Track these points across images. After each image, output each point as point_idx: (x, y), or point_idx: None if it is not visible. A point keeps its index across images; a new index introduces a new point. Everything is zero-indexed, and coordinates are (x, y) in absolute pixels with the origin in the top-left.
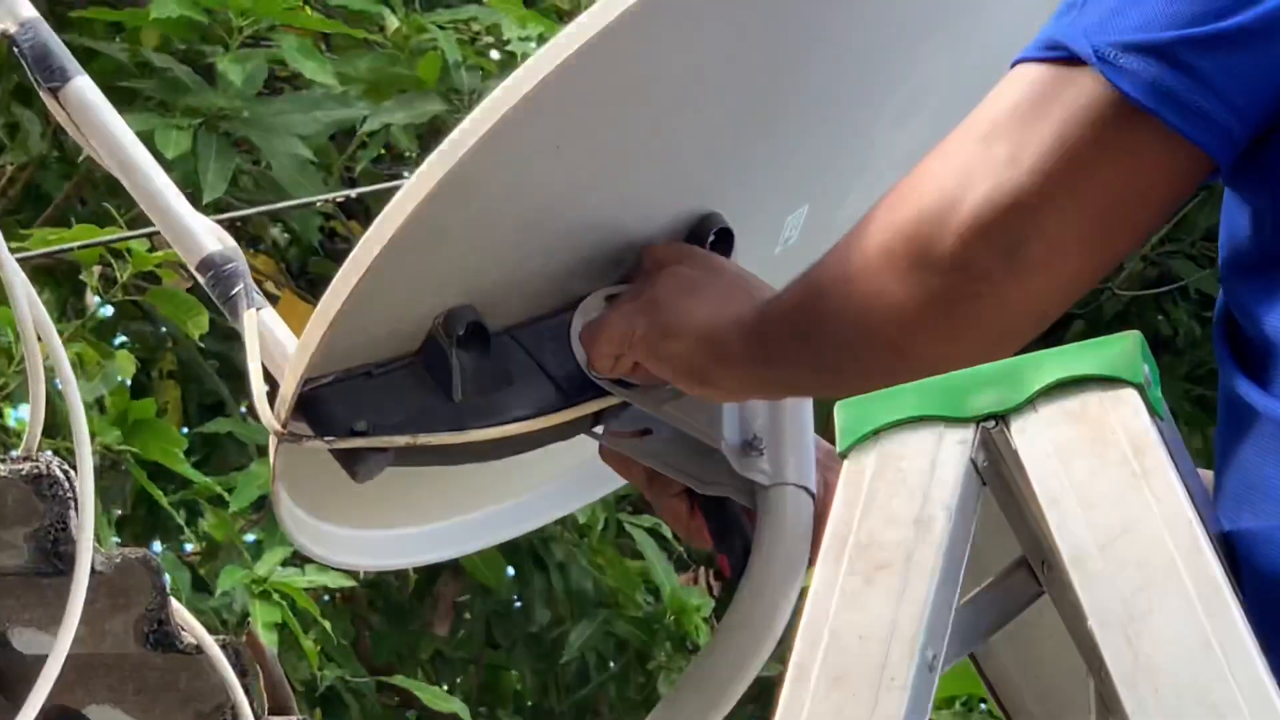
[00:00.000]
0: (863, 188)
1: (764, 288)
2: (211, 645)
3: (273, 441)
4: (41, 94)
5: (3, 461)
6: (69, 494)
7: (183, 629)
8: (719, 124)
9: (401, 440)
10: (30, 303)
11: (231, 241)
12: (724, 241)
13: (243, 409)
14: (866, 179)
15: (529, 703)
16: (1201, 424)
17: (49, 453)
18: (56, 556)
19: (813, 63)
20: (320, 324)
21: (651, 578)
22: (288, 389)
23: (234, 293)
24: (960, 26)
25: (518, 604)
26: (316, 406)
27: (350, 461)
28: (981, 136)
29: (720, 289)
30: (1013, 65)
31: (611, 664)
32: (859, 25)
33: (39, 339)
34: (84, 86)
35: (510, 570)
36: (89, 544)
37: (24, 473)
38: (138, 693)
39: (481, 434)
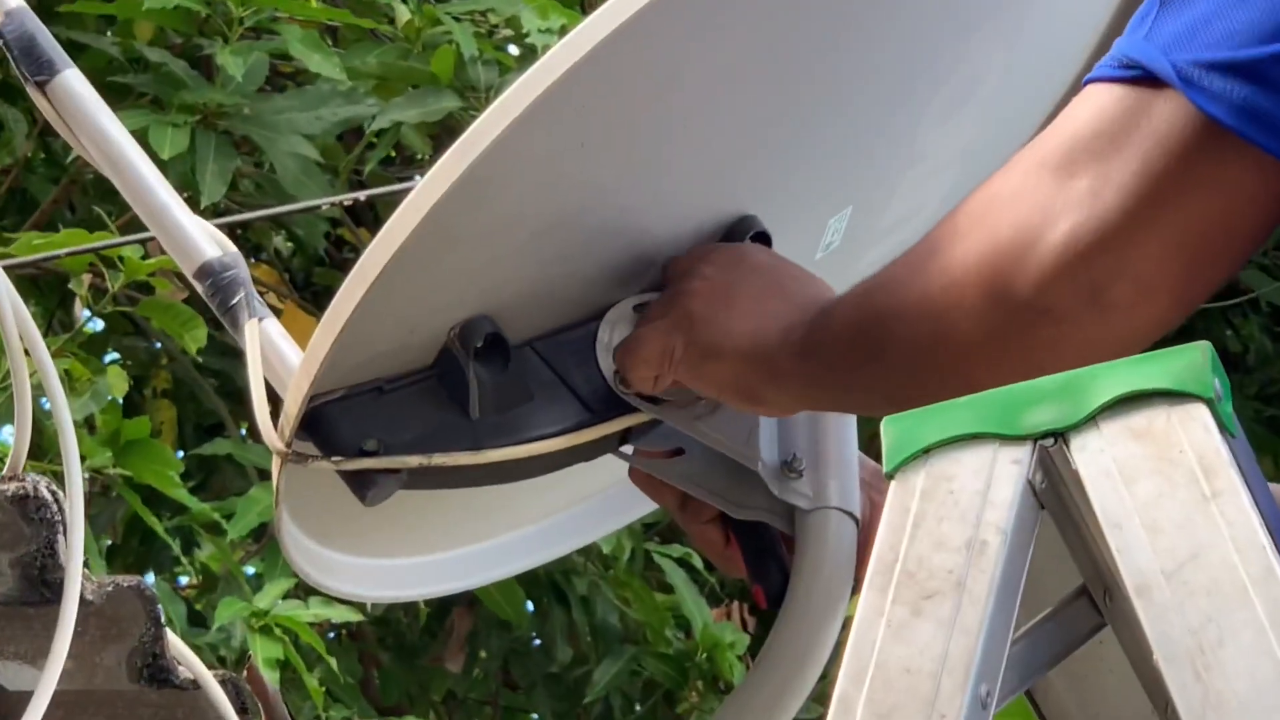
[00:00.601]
0: (908, 187)
1: (800, 278)
2: (210, 681)
3: (276, 462)
4: (28, 88)
5: None
6: (57, 517)
7: (179, 663)
8: (754, 121)
9: (415, 461)
10: (15, 311)
11: (232, 247)
12: (762, 245)
13: (243, 430)
14: (912, 178)
15: None
16: (1273, 447)
17: (35, 474)
18: (44, 585)
19: (853, 57)
20: (327, 335)
21: (682, 612)
22: (292, 405)
23: (234, 302)
24: (1007, 19)
25: (537, 642)
26: (323, 424)
27: (359, 484)
28: (1058, 166)
29: (757, 292)
30: (1085, 84)
31: (638, 706)
32: (901, 18)
33: (25, 352)
34: (72, 79)
35: (529, 605)
36: (78, 571)
37: (9, 494)
38: None
39: (500, 454)
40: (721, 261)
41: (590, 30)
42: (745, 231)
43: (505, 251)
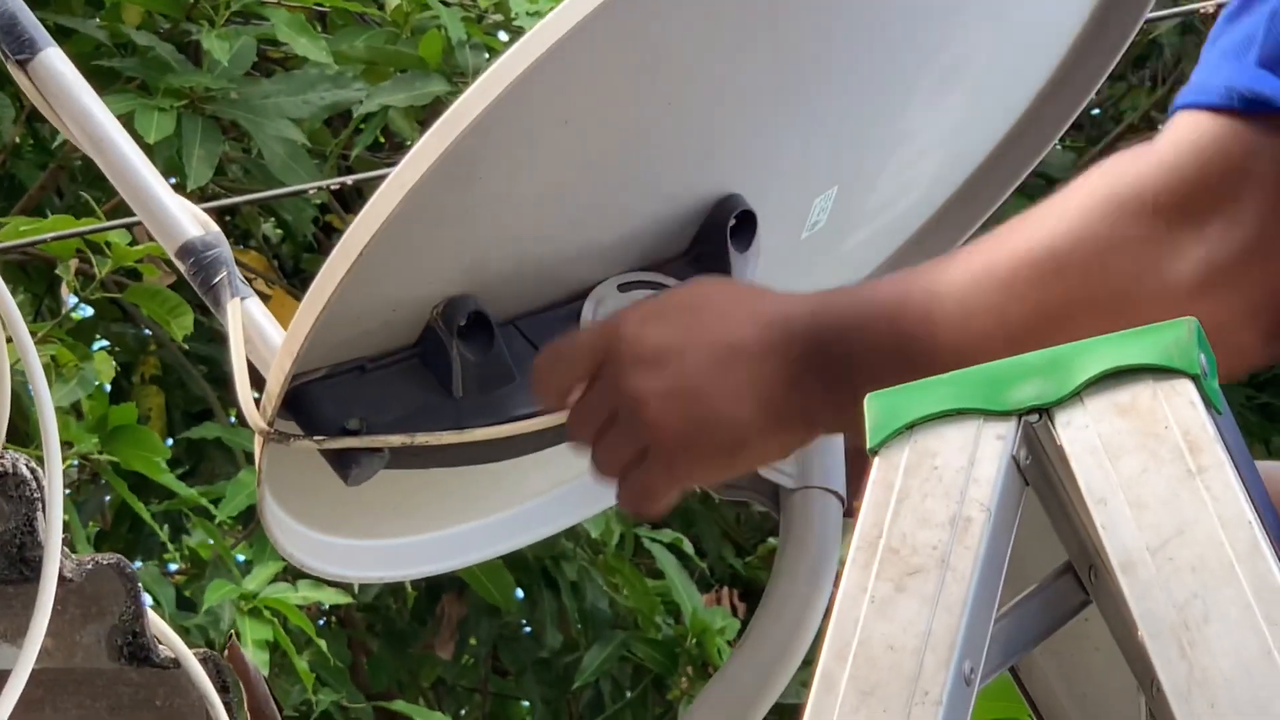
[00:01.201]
0: (895, 168)
1: (743, 308)
2: (190, 659)
3: (258, 441)
4: (9, 66)
5: None
6: (36, 494)
7: (160, 641)
8: (739, 98)
9: (397, 440)
10: None
11: (215, 226)
12: (746, 224)
13: (231, 417)
14: (900, 158)
15: None
16: (1265, 434)
17: (14, 453)
18: (23, 562)
19: (840, 35)
20: (310, 313)
21: (672, 598)
22: (274, 384)
23: (216, 281)
24: None
25: (527, 629)
26: (306, 403)
27: (342, 463)
28: (1176, 211)
29: (724, 366)
30: (1176, 109)
31: (628, 692)
32: None
33: (7, 338)
34: (54, 58)
35: (519, 592)
36: (57, 547)
37: None
38: (111, 710)
39: (484, 433)
40: (661, 364)
41: (574, 6)
42: (731, 210)
43: (489, 229)
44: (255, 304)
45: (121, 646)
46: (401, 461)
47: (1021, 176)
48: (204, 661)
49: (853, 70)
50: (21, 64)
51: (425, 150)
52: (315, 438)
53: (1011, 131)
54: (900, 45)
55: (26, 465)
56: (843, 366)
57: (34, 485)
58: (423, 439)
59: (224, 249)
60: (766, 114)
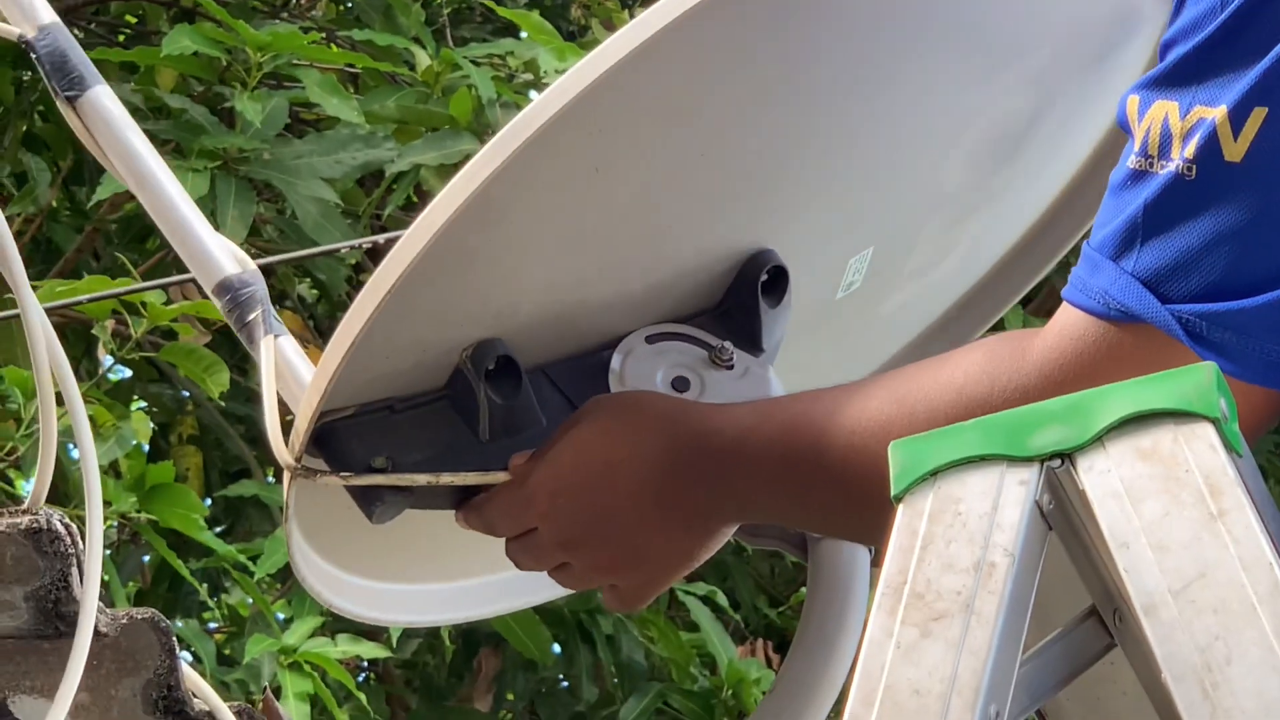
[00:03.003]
0: (933, 231)
1: (661, 437)
2: (225, 713)
3: (286, 476)
4: (58, 103)
5: (0, 516)
6: (71, 550)
7: (195, 695)
8: (772, 154)
9: (422, 479)
10: (50, 349)
11: (252, 265)
12: (778, 280)
13: (269, 477)
14: (937, 222)
15: None
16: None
17: (50, 509)
18: (59, 618)
19: (874, 95)
20: (338, 351)
21: (707, 650)
22: (302, 421)
23: (251, 318)
24: (1033, 62)
25: (564, 684)
26: (333, 441)
27: (367, 500)
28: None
29: (654, 509)
30: (1065, 297)
31: None
32: (922, 58)
33: (57, 394)
34: (102, 95)
35: (555, 648)
36: (94, 603)
37: (23, 527)
38: None
39: (508, 475)
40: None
41: (606, 54)
42: (762, 265)
43: (519, 274)
44: (288, 342)
45: (157, 700)
46: (426, 501)
47: (1063, 250)
48: (239, 714)
49: (886, 131)
50: (70, 100)
51: (453, 192)
52: (341, 474)
53: (1057, 201)
54: (934, 109)
55: (62, 521)
56: (727, 470)
57: (68, 541)
58: (447, 479)
59: (260, 287)
60: (801, 169)
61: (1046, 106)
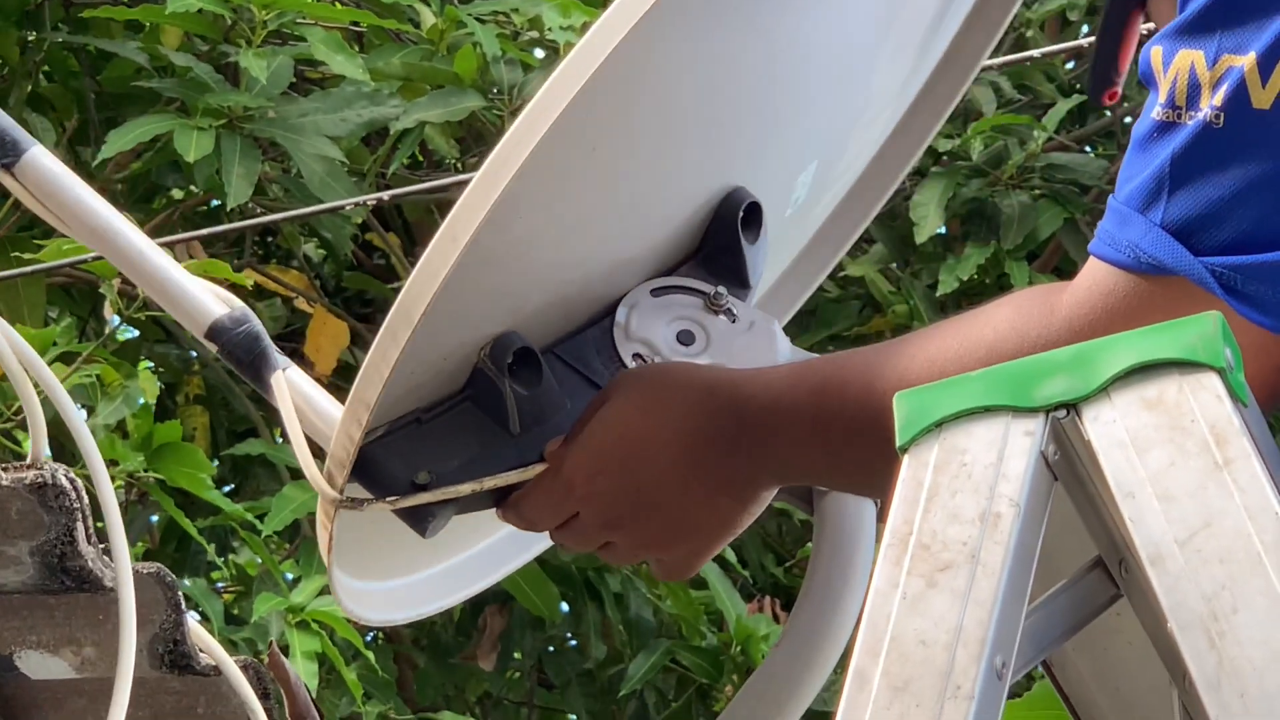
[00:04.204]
0: (859, 133)
1: (686, 405)
2: (231, 666)
3: (329, 510)
4: None
5: (5, 471)
6: (76, 505)
7: (200, 649)
8: (736, 96)
9: (467, 488)
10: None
11: (238, 301)
12: (753, 215)
13: (279, 438)
14: (862, 124)
15: None
16: None
17: (55, 464)
18: (64, 572)
19: (820, 25)
20: (374, 382)
21: (715, 607)
22: (341, 451)
23: (254, 357)
24: None
25: (572, 642)
26: (370, 465)
27: (418, 518)
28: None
29: (684, 477)
30: (1092, 251)
31: (673, 702)
32: None
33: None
34: (40, 156)
35: (563, 606)
36: (126, 560)
37: (28, 482)
38: (154, 718)
39: (546, 466)
40: (630, 503)
41: (597, 41)
42: (737, 203)
43: (527, 265)
44: (295, 372)
45: (163, 655)
46: (471, 506)
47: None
48: (245, 669)
49: (835, 46)
50: (7, 167)
51: (474, 201)
52: (387, 499)
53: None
54: (867, 26)
55: (66, 476)
56: (763, 436)
57: (74, 496)
58: (490, 483)
59: (253, 322)
60: (761, 108)
61: (948, 5)
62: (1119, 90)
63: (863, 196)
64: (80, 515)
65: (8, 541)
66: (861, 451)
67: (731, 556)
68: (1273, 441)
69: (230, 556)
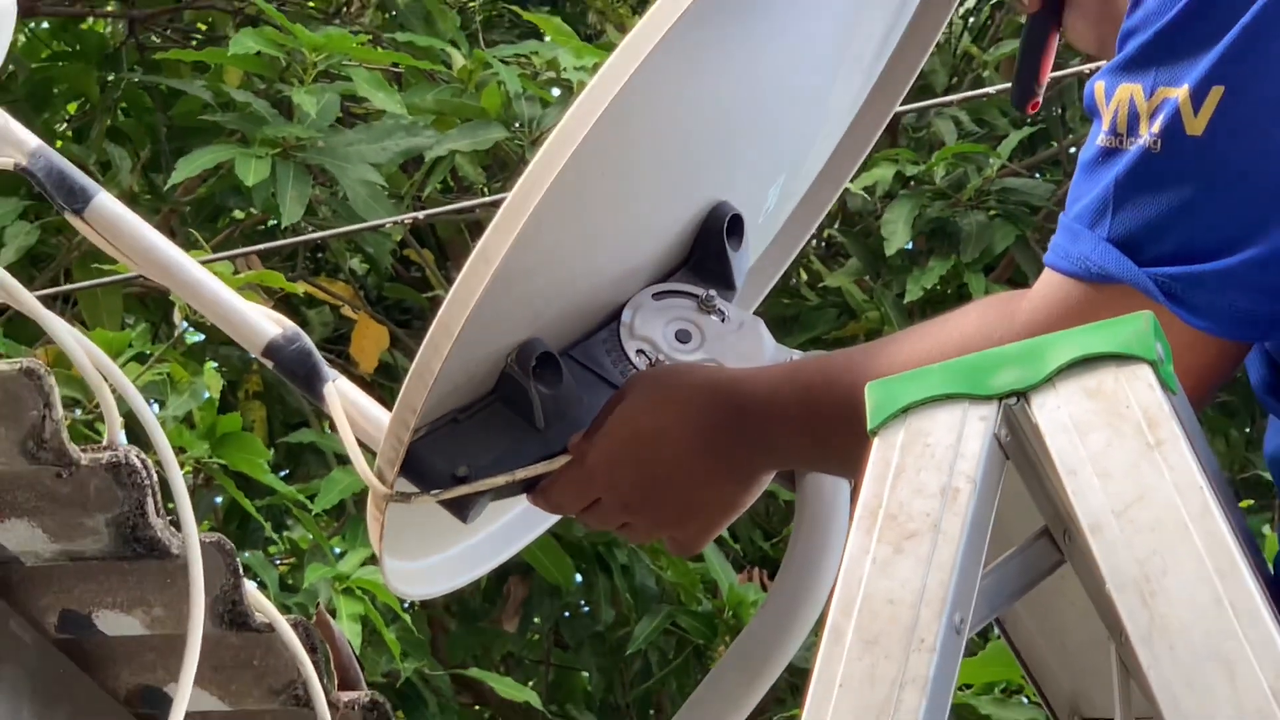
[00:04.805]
0: (821, 142)
1: (695, 401)
2: (283, 624)
3: (380, 503)
4: (66, 216)
5: (85, 452)
6: (147, 481)
7: (256, 609)
8: (722, 127)
9: (502, 479)
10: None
11: (289, 323)
12: (736, 225)
13: (327, 429)
14: (823, 133)
15: (597, 700)
16: (1224, 428)
17: (127, 445)
18: (136, 541)
19: (791, 54)
20: (419, 389)
21: (710, 576)
22: (391, 451)
23: (306, 371)
24: None
25: (585, 609)
26: (414, 462)
27: (460, 507)
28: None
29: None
30: (1047, 262)
31: (673, 660)
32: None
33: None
34: (106, 202)
35: (577, 577)
36: (194, 530)
37: (104, 461)
38: (215, 670)
39: (570, 457)
40: (639, 504)
41: (602, 87)
42: (722, 215)
43: (547, 277)
44: (344, 382)
45: (223, 614)
46: (505, 493)
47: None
48: (295, 626)
49: (805, 65)
50: (78, 212)
51: (508, 220)
52: (432, 492)
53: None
54: (830, 50)
55: (138, 456)
56: (761, 427)
57: (144, 474)
58: (522, 474)
59: (304, 340)
60: (742, 127)
61: (895, 24)
62: (1039, 100)
63: (814, 201)
64: (150, 491)
65: (87, 514)
66: (845, 440)
67: (725, 532)
68: (1198, 426)
69: (285, 533)
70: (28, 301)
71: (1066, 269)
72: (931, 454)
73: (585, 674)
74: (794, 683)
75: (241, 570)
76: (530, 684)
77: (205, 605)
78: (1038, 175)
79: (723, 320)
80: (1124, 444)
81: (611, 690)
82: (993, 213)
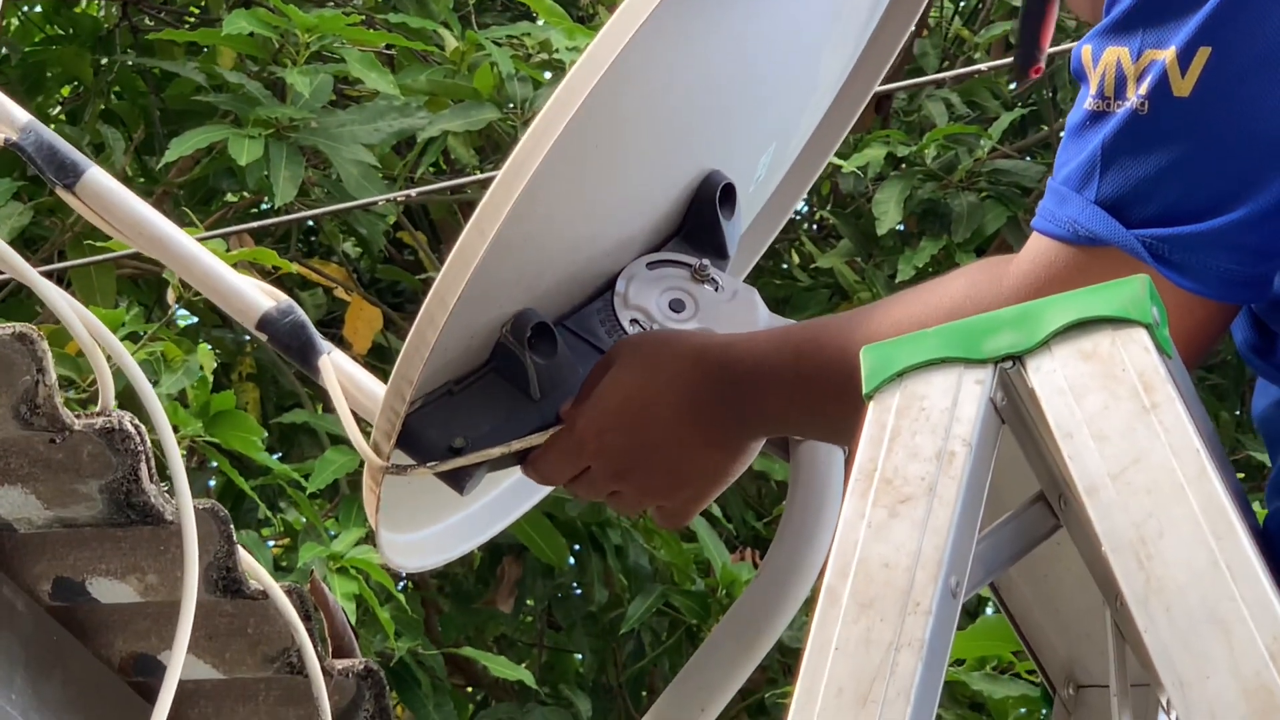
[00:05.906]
0: (809, 112)
1: (683, 371)
2: (277, 591)
3: (377, 475)
4: (59, 192)
5: (78, 418)
6: (140, 448)
7: (250, 577)
8: (714, 98)
9: (497, 451)
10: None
11: (283, 295)
12: (728, 194)
13: (320, 410)
14: (812, 104)
15: (590, 681)
16: (1214, 410)
17: (119, 411)
18: (130, 507)
19: (782, 26)
20: (415, 361)
21: (704, 556)
22: (387, 425)
23: (300, 343)
24: None
25: (577, 591)
26: (410, 435)
27: (456, 478)
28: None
29: (679, 426)
30: (1035, 227)
31: (666, 640)
32: None
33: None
34: (98, 176)
35: (570, 558)
36: (187, 495)
37: (97, 427)
38: (209, 638)
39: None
40: (630, 470)
41: (593, 62)
42: (715, 185)
43: (543, 249)
44: (338, 355)
45: (217, 581)
46: (501, 464)
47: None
48: (289, 594)
49: (786, 41)
50: (69, 187)
51: (501, 193)
52: (428, 464)
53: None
54: (822, 20)
55: (131, 422)
56: (750, 393)
57: (138, 439)
58: (517, 445)
59: (298, 313)
60: (733, 98)
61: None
62: (1042, 66)
63: (803, 169)
64: (144, 457)
65: (80, 480)
66: (836, 405)
67: (718, 513)
68: (1193, 388)
69: (279, 515)
70: (23, 268)
71: (1054, 232)
72: (927, 418)
73: (578, 655)
74: (786, 663)
75: (235, 537)
76: (524, 666)
77: (199, 572)
78: (1028, 157)
79: (716, 289)
80: (1120, 407)
81: (604, 671)
82: (984, 194)
